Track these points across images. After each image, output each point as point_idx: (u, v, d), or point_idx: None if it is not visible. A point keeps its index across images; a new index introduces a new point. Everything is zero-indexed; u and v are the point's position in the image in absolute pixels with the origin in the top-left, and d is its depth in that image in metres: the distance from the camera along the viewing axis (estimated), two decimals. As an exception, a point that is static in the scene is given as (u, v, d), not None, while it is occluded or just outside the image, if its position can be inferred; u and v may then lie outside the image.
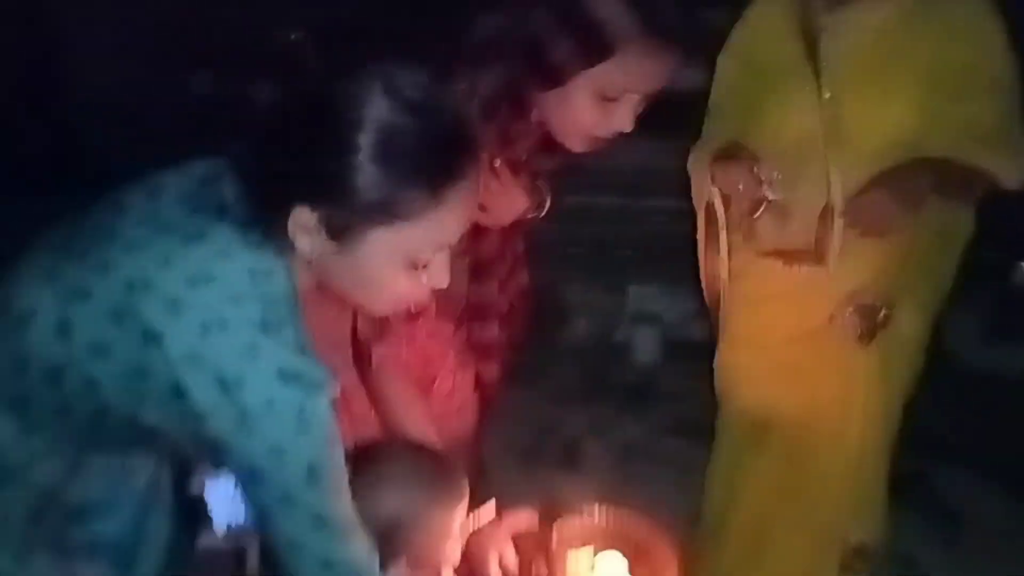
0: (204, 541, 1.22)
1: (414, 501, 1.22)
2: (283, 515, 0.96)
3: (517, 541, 1.41)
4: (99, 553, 1.07)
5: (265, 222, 0.94)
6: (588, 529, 1.39)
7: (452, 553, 1.29)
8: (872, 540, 1.82)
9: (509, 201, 1.42)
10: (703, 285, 1.89)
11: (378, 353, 1.39)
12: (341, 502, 1.00)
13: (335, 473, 0.98)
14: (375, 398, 1.45)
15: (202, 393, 0.90)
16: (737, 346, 1.84)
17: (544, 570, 1.38)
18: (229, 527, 1.19)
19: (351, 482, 1.15)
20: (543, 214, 1.53)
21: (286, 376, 0.91)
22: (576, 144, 1.34)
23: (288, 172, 0.93)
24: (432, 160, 0.94)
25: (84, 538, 1.06)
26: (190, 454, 1.11)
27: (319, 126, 0.92)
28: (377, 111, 0.91)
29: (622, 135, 1.31)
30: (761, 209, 1.62)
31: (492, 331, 1.59)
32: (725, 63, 1.76)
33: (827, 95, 1.57)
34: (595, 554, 1.37)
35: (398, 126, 0.92)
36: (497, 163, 1.38)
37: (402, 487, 1.23)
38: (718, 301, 1.86)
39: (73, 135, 3.78)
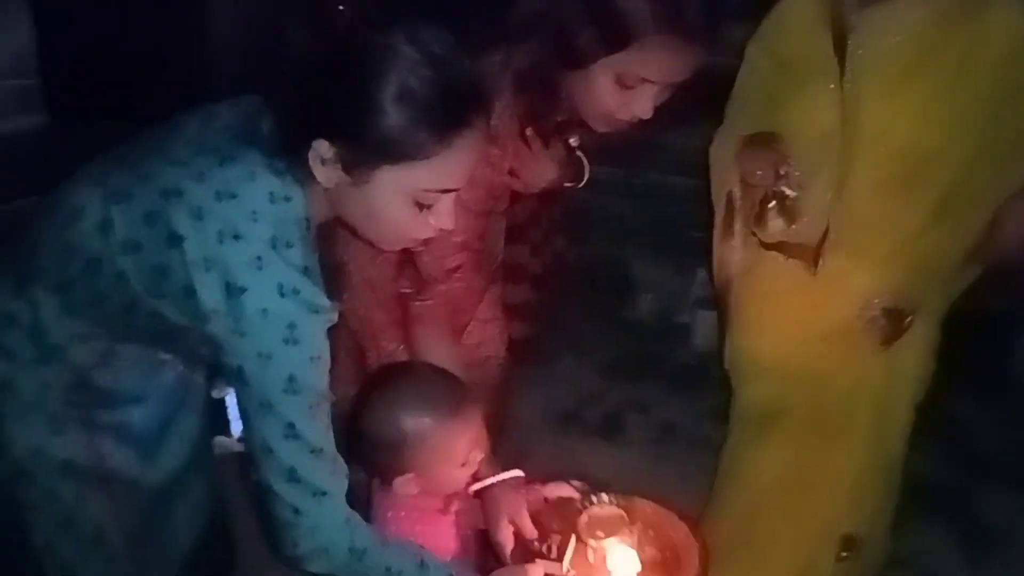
0: (219, 442, 1.32)
1: (423, 419, 1.29)
2: (260, 419, 1.04)
3: (542, 512, 1.42)
4: (125, 437, 1.19)
5: (290, 152, 1.03)
6: (618, 519, 1.37)
7: (458, 479, 1.35)
8: (863, 532, 1.80)
9: (540, 168, 1.48)
10: (713, 270, 1.90)
11: (415, 308, 1.46)
12: (317, 420, 1.07)
13: (316, 392, 1.06)
14: (410, 343, 1.52)
15: (209, 294, 1.00)
16: (749, 335, 1.84)
17: (555, 548, 1.39)
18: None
19: (371, 394, 1.24)
20: (582, 184, 1.58)
21: (285, 291, 1.00)
22: (599, 125, 1.40)
23: (313, 107, 1.02)
24: (443, 107, 1.01)
25: (112, 421, 1.17)
26: (211, 358, 1.20)
27: (346, 68, 1.00)
28: (399, 60, 0.99)
29: (651, 121, 1.35)
30: (773, 202, 1.63)
31: (524, 292, 1.65)
32: (753, 53, 1.74)
33: (849, 94, 1.55)
34: (615, 545, 1.35)
35: (416, 74, 1.00)
36: (528, 132, 1.43)
37: (414, 405, 1.30)
38: (727, 288, 1.87)
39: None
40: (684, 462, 2.55)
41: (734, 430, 1.95)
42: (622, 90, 1.31)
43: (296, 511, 1.08)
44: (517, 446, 2.23)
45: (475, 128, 1.06)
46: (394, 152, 1.02)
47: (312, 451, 1.07)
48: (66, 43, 5.41)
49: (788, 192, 1.60)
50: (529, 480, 1.45)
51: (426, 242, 1.23)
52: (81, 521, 1.16)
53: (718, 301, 1.96)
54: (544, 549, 1.39)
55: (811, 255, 1.64)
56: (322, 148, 1.03)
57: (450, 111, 1.03)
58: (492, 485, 1.40)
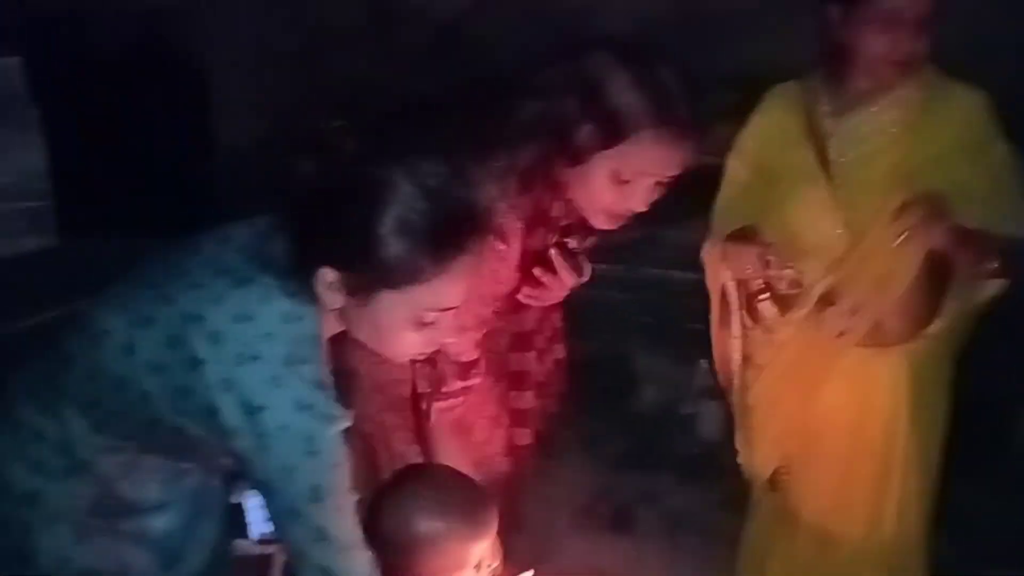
0: (239, 545, 1.35)
1: (436, 524, 1.31)
2: (290, 526, 1.10)
3: None
4: (148, 545, 1.22)
5: (299, 276, 1.10)
6: None
7: None
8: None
9: (560, 284, 1.55)
10: (716, 366, 1.95)
11: (437, 408, 1.52)
12: (344, 520, 1.12)
13: (339, 494, 1.11)
14: (425, 444, 1.57)
15: (230, 413, 1.06)
16: (761, 427, 1.89)
17: None
18: (262, 535, 1.32)
19: (387, 495, 1.27)
20: (584, 282, 1.65)
21: (301, 406, 1.06)
22: (599, 220, 1.46)
23: (316, 237, 1.10)
24: (440, 237, 1.09)
25: (135, 529, 1.21)
26: (232, 467, 1.25)
27: (347, 202, 1.09)
28: (399, 195, 1.07)
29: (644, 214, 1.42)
30: (766, 295, 1.70)
31: (528, 399, 1.70)
32: (734, 166, 1.85)
33: (842, 197, 1.64)
34: None
35: (414, 208, 1.08)
36: (552, 252, 1.50)
37: (428, 508, 1.32)
38: (731, 382, 1.92)
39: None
40: (696, 552, 2.55)
41: (755, 521, 1.97)
42: (618, 185, 1.39)
43: None
44: (529, 543, 2.24)
45: (472, 252, 1.13)
46: (394, 279, 1.10)
47: (342, 550, 1.12)
48: (76, 164, 5.61)
49: (780, 287, 1.67)
50: None
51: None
52: None
53: (725, 389, 2.00)
54: None
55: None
56: (327, 275, 1.10)
57: (447, 240, 1.10)
58: None
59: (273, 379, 1.06)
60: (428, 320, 1.15)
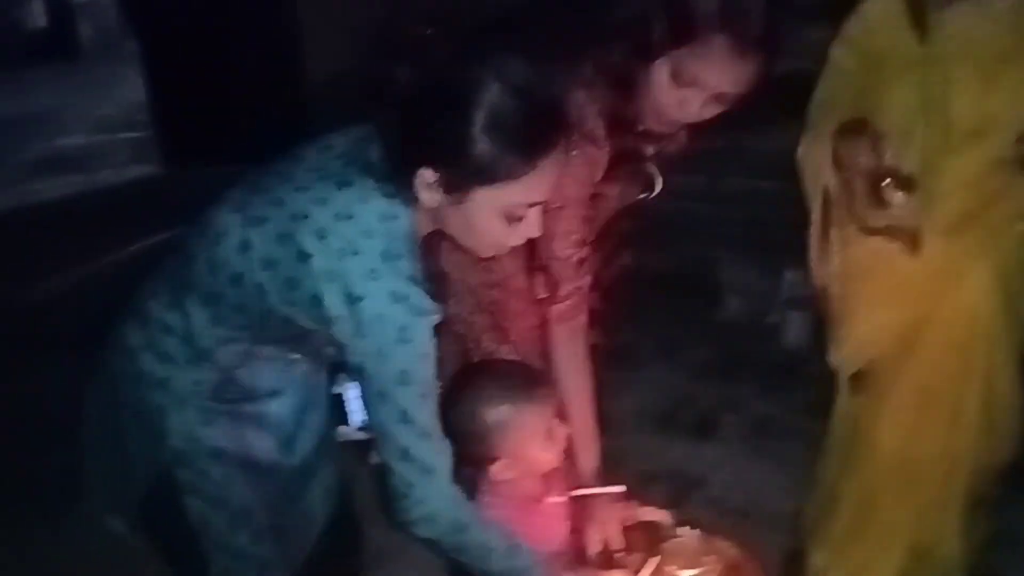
0: (341, 431, 1.48)
1: (501, 408, 1.42)
2: (378, 407, 1.21)
3: (630, 529, 1.54)
4: (266, 428, 1.36)
5: (397, 178, 1.19)
6: (694, 554, 1.48)
7: (547, 458, 1.48)
8: (1008, 460, 1.86)
9: (624, 194, 1.60)
10: (813, 269, 1.95)
11: (555, 311, 1.56)
12: (426, 407, 1.23)
13: (425, 383, 1.22)
14: (548, 361, 1.60)
15: (333, 302, 1.16)
16: (858, 320, 1.90)
17: (627, 564, 1.50)
18: (362, 422, 1.44)
19: (456, 397, 1.37)
20: (654, 195, 1.68)
21: (397, 297, 1.16)
22: (657, 124, 1.49)
23: (415, 140, 1.17)
24: (528, 134, 1.16)
25: (253, 412, 1.34)
26: (335, 358, 1.36)
27: (442, 105, 1.15)
28: (488, 94, 1.14)
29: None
30: (889, 179, 1.66)
31: (595, 301, 1.76)
32: (839, 55, 1.80)
33: (939, 81, 1.62)
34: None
35: (504, 107, 1.14)
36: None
37: (489, 397, 1.43)
38: (829, 281, 1.92)
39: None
40: (779, 457, 2.61)
41: (843, 422, 2.01)
42: (677, 88, 1.40)
43: (409, 484, 1.23)
44: (615, 447, 2.33)
45: (557, 149, 1.19)
46: (487, 176, 1.17)
47: (421, 434, 1.22)
48: (176, 96, 5.82)
49: (897, 167, 1.65)
50: (627, 496, 1.55)
51: (528, 247, 1.36)
52: (230, 499, 1.33)
53: (819, 296, 2.01)
54: (626, 561, 1.50)
55: (911, 238, 1.70)
56: (426, 175, 1.18)
57: (534, 137, 1.16)
58: (590, 497, 1.52)
59: (371, 272, 1.15)
60: (518, 215, 1.22)
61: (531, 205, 1.23)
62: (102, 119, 7.66)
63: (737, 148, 3.08)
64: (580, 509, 1.56)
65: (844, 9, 1.82)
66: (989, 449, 1.84)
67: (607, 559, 1.51)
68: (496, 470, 1.44)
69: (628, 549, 1.53)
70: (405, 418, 1.20)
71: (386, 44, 1.20)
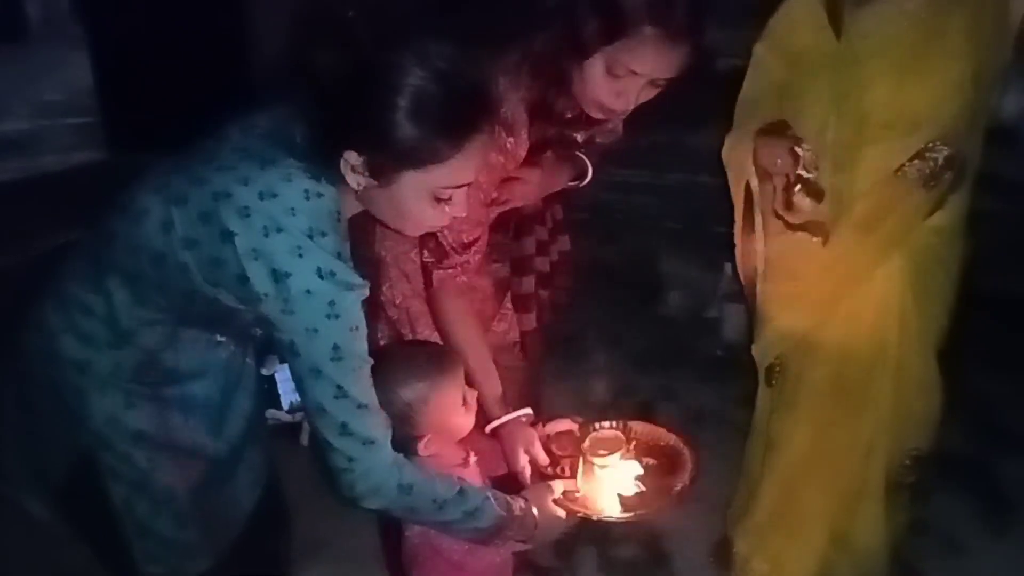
0: (271, 414, 1.48)
1: (417, 386, 1.46)
2: (312, 384, 1.21)
3: (551, 442, 1.61)
4: (191, 411, 1.36)
5: (322, 160, 1.20)
6: (616, 439, 1.56)
7: (467, 422, 1.53)
8: (925, 448, 1.92)
9: (547, 180, 1.64)
10: (738, 263, 2.00)
11: (438, 275, 1.62)
12: (361, 380, 1.24)
13: (357, 356, 1.23)
14: (436, 316, 1.67)
15: (259, 280, 1.17)
16: (777, 315, 1.95)
17: (567, 470, 1.58)
18: (291, 404, 1.44)
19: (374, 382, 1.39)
20: (585, 183, 1.72)
21: (323, 273, 1.16)
22: (592, 111, 1.52)
23: (340, 124, 1.18)
24: (452, 118, 1.17)
25: (176, 395, 1.34)
26: (263, 338, 1.37)
27: (366, 89, 1.16)
28: (411, 78, 1.15)
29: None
30: (799, 185, 1.73)
31: (528, 284, 1.79)
32: (761, 52, 1.85)
33: (854, 78, 1.66)
34: (617, 459, 1.52)
35: (428, 91, 1.15)
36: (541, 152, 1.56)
37: (404, 378, 1.46)
38: (753, 278, 1.97)
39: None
40: (714, 446, 2.64)
41: (763, 414, 2.06)
42: (611, 79, 1.43)
43: (350, 459, 1.25)
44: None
45: (483, 131, 1.21)
46: (413, 160, 1.18)
47: (359, 407, 1.24)
48: (123, 81, 5.71)
49: (809, 175, 1.71)
50: (533, 422, 1.61)
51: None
52: (153, 484, 1.33)
53: (745, 289, 2.06)
54: (558, 471, 1.57)
55: (824, 231, 1.77)
56: (351, 158, 1.19)
57: (459, 120, 1.18)
58: (506, 425, 1.57)
59: (296, 248, 1.16)
60: (444, 196, 1.24)
61: (458, 187, 1.24)
62: (47, 104, 7.49)
63: (678, 144, 3.13)
64: (501, 444, 1.61)
65: (766, 11, 1.87)
66: (904, 437, 1.90)
67: (541, 477, 1.56)
68: (423, 446, 1.47)
69: (555, 460, 1.59)
70: (341, 392, 1.21)
71: (311, 26, 1.20)
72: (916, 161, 1.68)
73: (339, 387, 1.21)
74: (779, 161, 1.74)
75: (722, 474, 2.39)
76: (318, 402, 1.22)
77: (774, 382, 2.01)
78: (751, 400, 2.58)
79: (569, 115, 1.56)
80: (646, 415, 2.87)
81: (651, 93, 1.47)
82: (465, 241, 1.57)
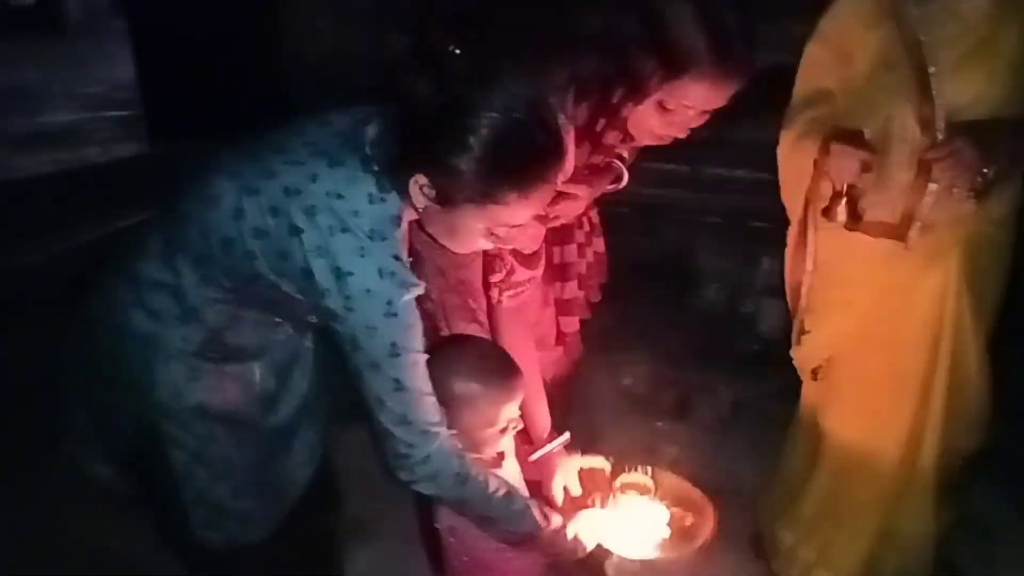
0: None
1: (472, 385, 1.49)
2: (372, 377, 1.26)
3: (584, 475, 1.68)
4: (249, 387, 1.40)
5: (392, 173, 1.24)
6: (646, 484, 1.66)
7: (493, 441, 1.55)
8: (975, 448, 1.91)
9: (592, 192, 1.68)
10: (787, 267, 2.00)
11: (507, 296, 1.65)
12: (418, 372, 1.29)
13: (413, 351, 1.27)
14: (495, 331, 1.70)
15: (322, 276, 1.21)
16: (827, 315, 1.95)
17: (598, 502, 1.65)
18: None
19: (432, 359, 1.43)
20: (621, 187, 1.75)
21: (383, 273, 1.21)
22: (643, 139, 1.56)
23: (419, 148, 1.21)
24: (525, 167, 1.21)
25: (237, 371, 1.38)
26: (318, 325, 1.41)
27: (447, 122, 1.19)
28: (490, 122, 1.18)
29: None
30: (844, 199, 1.72)
31: (572, 289, 1.83)
32: (814, 51, 1.83)
33: (931, 78, 1.65)
34: (647, 501, 1.64)
35: (505, 137, 1.18)
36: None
37: (466, 371, 1.49)
38: (799, 282, 1.97)
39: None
40: (750, 440, 2.67)
41: (807, 407, 2.06)
42: (663, 112, 1.46)
43: (410, 446, 1.30)
44: (594, 428, 2.37)
45: (550, 181, 1.25)
46: (478, 197, 1.22)
47: (418, 398, 1.29)
48: (164, 74, 5.81)
49: (858, 188, 1.71)
50: (570, 449, 1.67)
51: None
52: (211, 454, 1.38)
53: (788, 290, 2.06)
54: (588, 503, 1.65)
55: (895, 231, 1.75)
56: (421, 180, 1.23)
57: (531, 171, 1.22)
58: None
59: (360, 249, 1.20)
60: (500, 233, 1.29)
61: (514, 226, 1.29)
62: (89, 96, 7.62)
63: (718, 138, 3.12)
64: (539, 466, 1.66)
65: (822, 4, 1.87)
66: (956, 435, 1.89)
67: (572, 505, 1.63)
68: None
69: (587, 493, 1.67)
70: (399, 386, 1.27)
71: (415, 55, 1.22)
72: None
73: (397, 380, 1.26)
74: (846, 174, 1.71)
75: (757, 469, 2.41)
76: (377, 394, 1.27)
77: (819, 377, 2.01)
78: (787, 394, 2.60)
79: (618, 150, 1.60)
80: (682, 409, 2.96)
81: (702, 120, 1.49)
82: (529, 255, 1.61)
